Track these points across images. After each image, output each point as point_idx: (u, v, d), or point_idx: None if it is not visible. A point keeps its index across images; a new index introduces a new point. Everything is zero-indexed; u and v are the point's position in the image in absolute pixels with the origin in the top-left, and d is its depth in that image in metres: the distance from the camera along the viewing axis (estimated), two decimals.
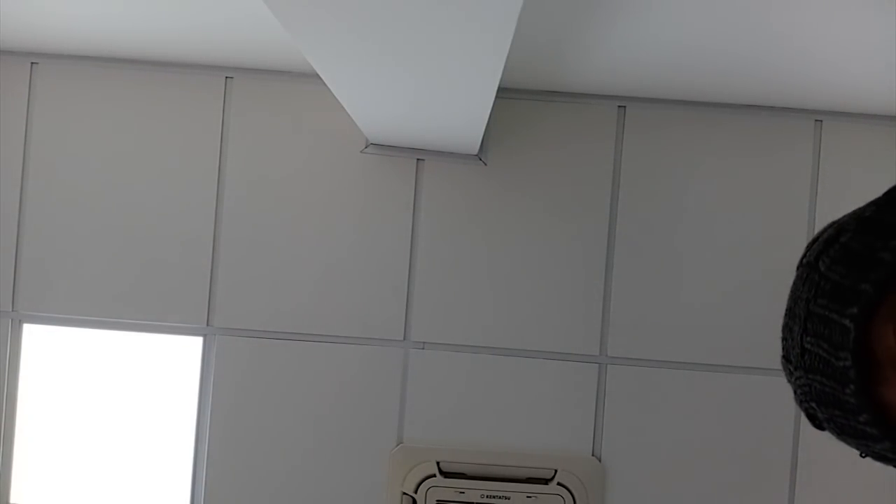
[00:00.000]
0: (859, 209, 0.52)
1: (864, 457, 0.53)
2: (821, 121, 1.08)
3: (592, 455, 1.08)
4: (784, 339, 0.55)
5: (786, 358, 0.55)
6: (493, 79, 0.68)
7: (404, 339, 1.09)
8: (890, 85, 0.93)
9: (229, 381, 1.09)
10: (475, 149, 1.06)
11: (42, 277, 1.09)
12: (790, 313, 0.54)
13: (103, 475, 1.12)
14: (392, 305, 1.09)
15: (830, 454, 1.07)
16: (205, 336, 1.09)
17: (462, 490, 1.06)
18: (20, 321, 1.10)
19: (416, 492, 1.06)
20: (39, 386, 1.12)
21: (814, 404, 0.52)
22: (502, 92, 1.04)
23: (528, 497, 1.06)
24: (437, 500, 1.06)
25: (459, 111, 0.84)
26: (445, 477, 1.07)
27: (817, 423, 0.54)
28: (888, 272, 0.47)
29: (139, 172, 1.09)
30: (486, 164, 1.09)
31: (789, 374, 0.55)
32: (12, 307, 1.09)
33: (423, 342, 1.09)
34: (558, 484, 1.07)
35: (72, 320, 1.10)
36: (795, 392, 0.55)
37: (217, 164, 1.09)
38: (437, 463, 1.07)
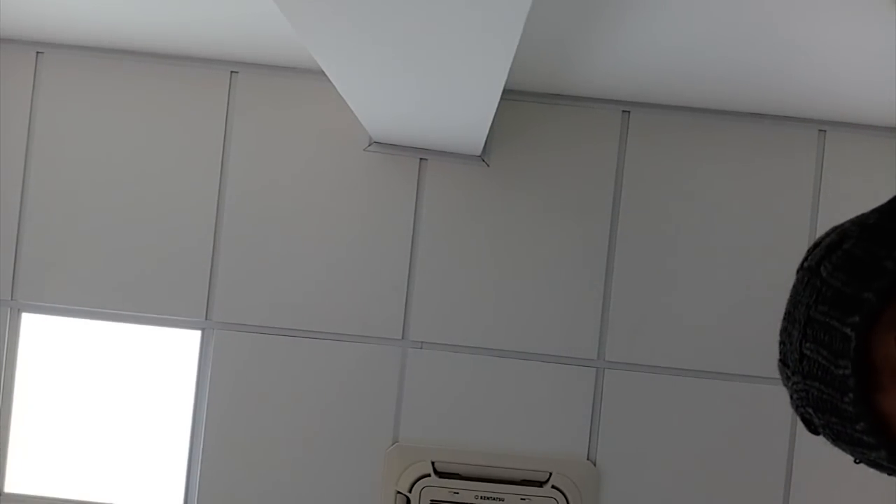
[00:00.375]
0: (863, 215, 0.52)
1: (857, 463, 0.52)
2: (824, 131, 1.09)
3: (587, 459, 1.08)
4: (782, 342, 0.55)
5: (783, 362, 0.55)
6: (499, 80, 0.68)
7: (402, 338, 1.09)
8: (894, 96, 0.93)
9: (227, 376, 1.09)
10: (478, 150, 1.06)
11: (42, 267, 1.09)
12: (789, 317, 0.54)
13: (98, 466, 1.12)
14: (391, 304, 1.09)
15: (826, 461, 1.07)
16: (203, 330, 1.09)
17: (456, 490, 1.06)
18: (19, 310, 1.10)
19: (410, 491, 1.06)
20: (36, 376, 1.12)
21: (810, 410, 0.52)
22: (507, 94, 1.04)
23: (521, 499, 1.06)
24: (431, 500, 1.06)
25: (464, 112, 0.84)
26: (440, 477, 1.07)
27: (813, 429, 0.54)
28: (891, 281, 0.46)
29: (141, 164, 1.09)
30: (488, 166, 1.09)
31: (786, 379, 0.55)
32: (11, 296, 1.09)
33: (422, 342, 1.09)
34: (553, 487, 1.07)
35: (70, 311, 1.10)
36: (791, 396, 0.55)
37: (220, 157, 1.09)
38: (432, 463, 1.07)
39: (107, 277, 1.09)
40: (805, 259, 0.54)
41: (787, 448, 1.08)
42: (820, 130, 1.09)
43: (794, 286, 0.54)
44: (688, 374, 1.08)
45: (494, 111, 0.82)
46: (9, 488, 1.11)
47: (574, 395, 1.08)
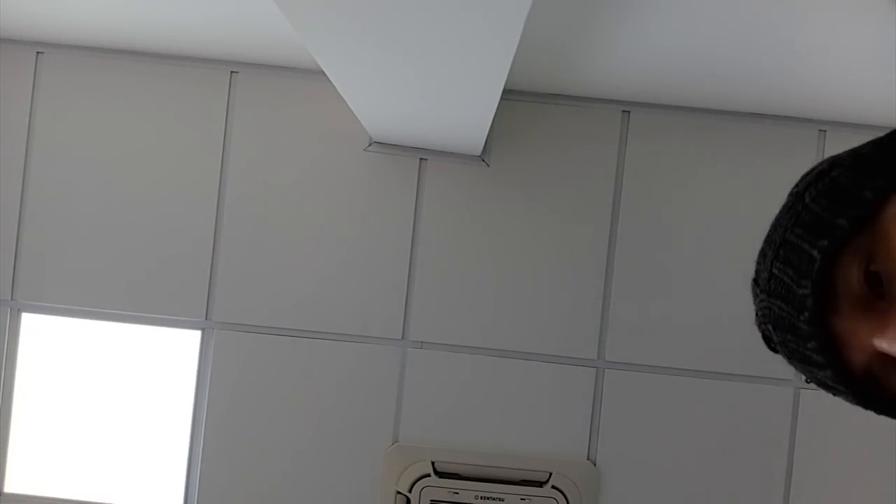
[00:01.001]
0: (859, 146, 0.52)
1: (808, 383, 0.54)
2: (825, 131, 1.09)
3: (588, 459, 1.08)
4: (757, 263, 0.56)
5: (755, 281, 0.56)
6: (499, 80, 0.68)
7: (402, 338, 1.09)
8: (894, 96, 0.93)
9: (227, 376, 1.09)
10: (478, 150, 1.06)
11: (42, 267, 1.09)
12: (768, 240, 0.55)
13: (98, 466, 1.12)
14: (391, 304, 1.09)
15: (826, 462, 1.07)
16: (203, 330, 1.09)
17: (456, 491, 1.06)
18: (19, 310, 1.10)
19: (410, 491, 1.06)
20: (36, 376, 1.11)
21: (770, 327, 0.53)
22: (507, 94, 1.04)
23: (521, 499, 1.06)
24: (431, 500, 1.06)
25: (464, 111, 0.84)
26: (440, 477, 1.07)
27: (771, 346, 0.55)
28: (867, 210, 0.47)
29: (141, 164, 1.09)
30: (488, 166, 1.09)
31: (755, 297, 0.56)
32: (11, 296, 1.09)
33: (422, 342, 1.09)
34: (553, 487, 1.07)
35: (70, 310, 1.10)
36: (756, 314, 0.56)
37: (220, 157, 1.09)
38: (432, 463, 1.07)
39: (107, 277, 1.09)
40: (796, 185, 0.55)
41: (787, 448, 1.08)
42: (820, 130, 1.09)
43: (780, 209, 0.55)
44: (688, 374, 1.08)
45: (494, 111, 0.82)
46: (9, 488, 1.11)
47: (574, 395, 1.08)
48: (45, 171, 1.09)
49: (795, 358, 0.52)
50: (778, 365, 1.12)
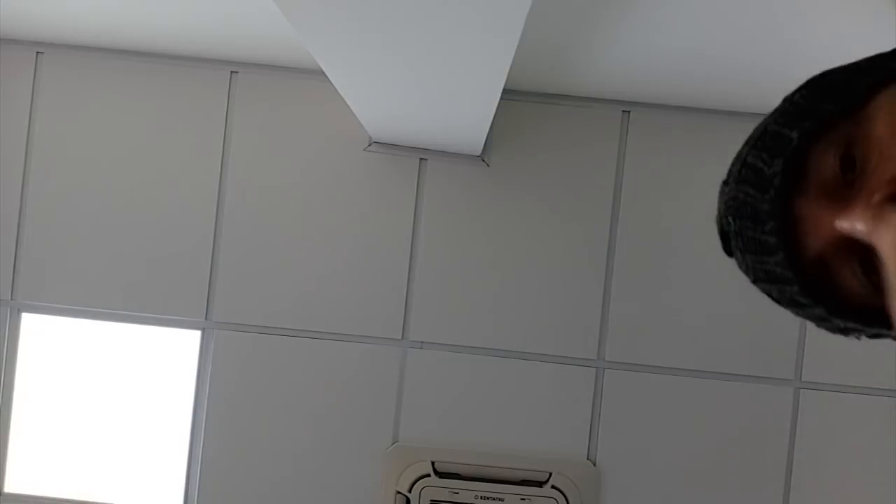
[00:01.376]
0: (859, 60, 0.52)
1: (754, 283, 0.53)
2: None
3: (587, 459, 1.08)
4: (731, 165, 0.55)
5: (724, 182, 0.55)
6: (499, 80, 0.68)
7: (402, 338, 1.09)
8: None
9: (226, 376, 1.09)
10: (478, 149, 1.06)
11: (42, 267, 1.09)
12: (746, 141, 0.54)
13: (98, 466, 1.12)
14: (391, 304, 1.09)
15: (826, 462, 1.07)
16: (203, 330, 1.09)
17: (456, 490, 1.06)
18: (19, 310, 1.10)
19: (410, 491, 1.06)
20: (36, 376, 1.11)
21: (730, 217, 0.52)
22: (507, 94, 1.04)
23: (521, 499, 1.06)
24: (431, 500, 1.06)
25: (464, 111, 0.84)
26: (440, 477, 1.07)
27: (727, 248, 0.54)
28: (855, 101, 0.46)
29: (141, 164, 1.09)
30: (488, 166, 1.09)
31: (721, 197, 0.55)
32: (11, 296, 1.09)
33: (421, 342, 1.09)
34: (552, 487, 1.07)
35: (70, 310, 1.10)
36: (719, 211, 0.55)
37: (220, 157, 1.09)
38: (432, 463, 1.07)
39: (107, 277, 1.09)
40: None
41: (787, 448, 1.08)
42: None
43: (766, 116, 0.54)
44: (688, 374, 1.08)
45: (494, 111, 0.82)
46: (9, 488, 1.11)
47: (574, 395, 1.08)
48: (45, 171, 1.09)
49: (749, 249, 0.51)
50: (778, 365, 1.12)
